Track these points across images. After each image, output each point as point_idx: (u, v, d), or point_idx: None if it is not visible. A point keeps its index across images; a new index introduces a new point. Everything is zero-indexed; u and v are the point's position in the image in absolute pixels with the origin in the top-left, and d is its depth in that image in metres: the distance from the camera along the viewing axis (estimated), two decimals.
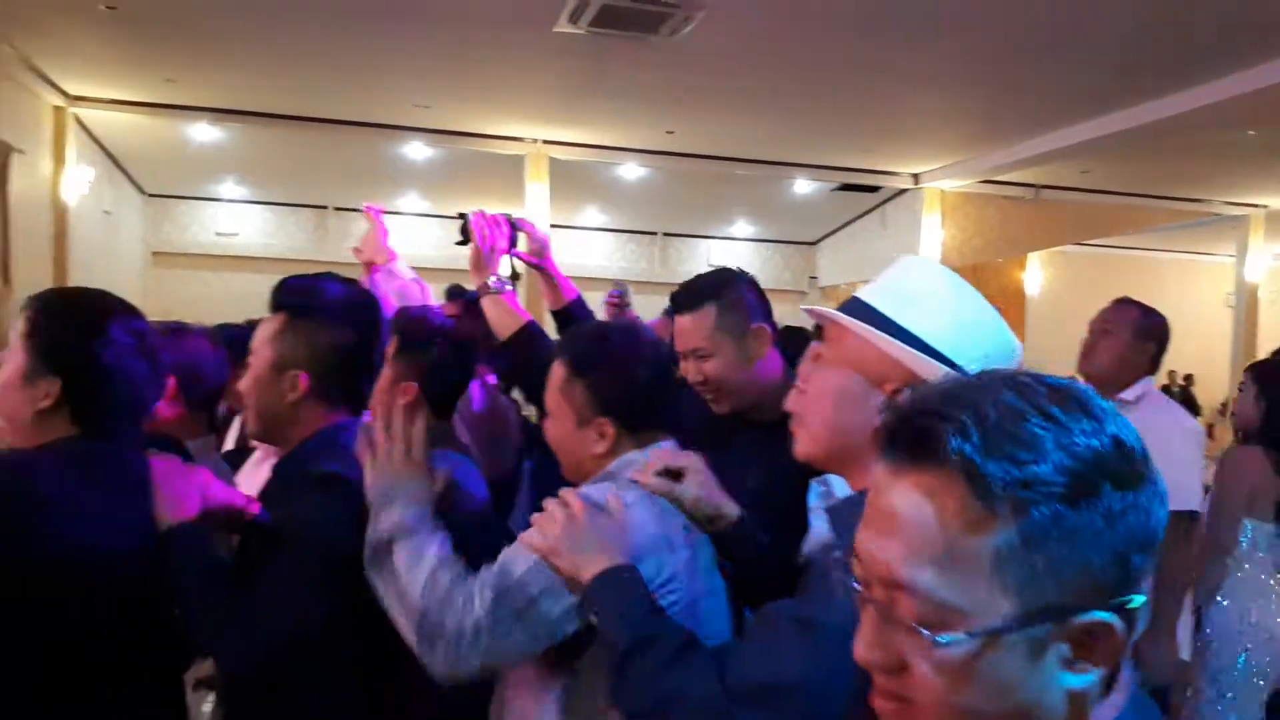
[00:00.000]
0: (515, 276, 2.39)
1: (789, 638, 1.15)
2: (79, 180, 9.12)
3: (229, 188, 12.53)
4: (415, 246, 10.86)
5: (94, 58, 7.68)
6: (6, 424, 1.53)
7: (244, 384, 1.66)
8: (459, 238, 2.33)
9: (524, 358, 2.22)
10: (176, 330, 2.16)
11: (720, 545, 1.54)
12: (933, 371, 1.14)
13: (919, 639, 0.70)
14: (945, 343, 1.17)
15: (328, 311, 1.61)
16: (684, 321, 2.01)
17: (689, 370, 2.00)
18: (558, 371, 1.58)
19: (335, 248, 12.00)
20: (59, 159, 8.84)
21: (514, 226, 2.36)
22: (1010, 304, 11.87)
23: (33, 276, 7.62)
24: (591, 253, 13.83)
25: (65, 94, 8.64)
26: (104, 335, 1.48)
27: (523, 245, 2.41)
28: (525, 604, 1.35)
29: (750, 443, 1.92)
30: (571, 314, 2.42)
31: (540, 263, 2.43)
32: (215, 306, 5.02)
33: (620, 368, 1.53)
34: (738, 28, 6.34)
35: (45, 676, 1.44)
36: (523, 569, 1.37)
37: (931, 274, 1.24)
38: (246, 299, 6.02)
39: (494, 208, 2.39)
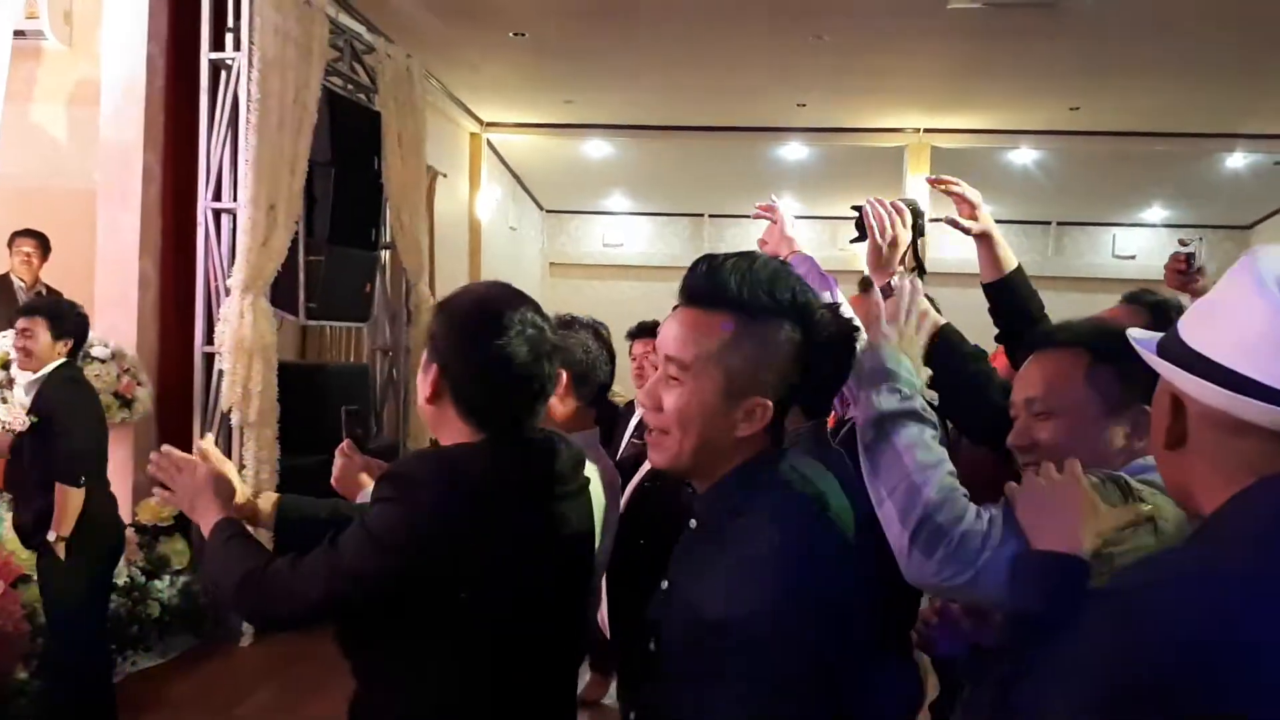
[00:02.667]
0: (921, 271, 2.07)
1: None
2: (490, 199, 10.09)
3: (616, 200, 13.31)
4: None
5: (503, 85, 8.43)
6: (428, 419, 1.56)
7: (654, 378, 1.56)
8: (854, 234, 2.05)
9: (938, 365, 1.90)
10: (567, 325, 2.14)
11: None
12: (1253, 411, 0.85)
13: None
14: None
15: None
16: None
17: None
18: (1077, 361, 1.43)
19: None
20: (474, 181, 9.86)
21: (916, 215, 2.03)
22: None
23: (452, 287, 8.52)
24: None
25: (480, 120, 9.62)
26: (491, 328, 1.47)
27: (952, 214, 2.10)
28: None
29: None
30: (1013, 286, 2.12)
31: (980, 228, 2.10)
32: (602, 312, 5.31)
33: None
34: None
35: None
36: None
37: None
38: (629, 305, 6.38)
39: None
